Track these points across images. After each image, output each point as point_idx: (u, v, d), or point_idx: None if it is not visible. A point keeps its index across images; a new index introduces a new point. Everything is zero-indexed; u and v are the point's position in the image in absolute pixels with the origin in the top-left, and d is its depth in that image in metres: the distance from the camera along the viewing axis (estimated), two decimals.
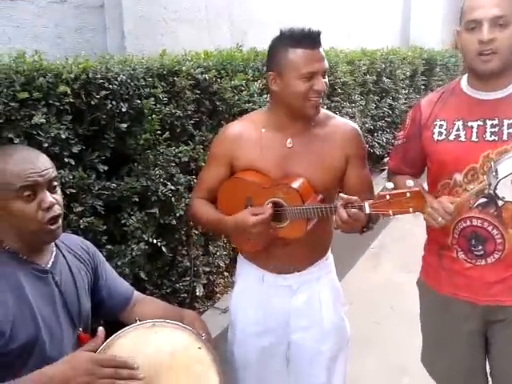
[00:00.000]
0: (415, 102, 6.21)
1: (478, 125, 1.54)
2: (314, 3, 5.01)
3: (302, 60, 1.51)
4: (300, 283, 1.74)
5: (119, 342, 1.24)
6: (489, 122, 1.52)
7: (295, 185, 1.55)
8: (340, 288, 1.87)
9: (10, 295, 1.23)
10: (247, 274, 1.81)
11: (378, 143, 5.33)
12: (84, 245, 1.53)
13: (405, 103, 5.96)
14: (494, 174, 1.43)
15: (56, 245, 1.41)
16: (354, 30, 6.04)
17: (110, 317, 1.56)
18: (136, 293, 1.64)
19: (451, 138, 1.58)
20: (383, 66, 5.19)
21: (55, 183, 1.30)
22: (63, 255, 1.42)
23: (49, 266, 1.34)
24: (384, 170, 5.42)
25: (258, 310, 1.77)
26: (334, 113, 4.04)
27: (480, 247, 1.57)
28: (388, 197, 1.37)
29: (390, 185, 1.40)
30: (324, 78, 1.55)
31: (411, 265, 3.92)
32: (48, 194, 1.26)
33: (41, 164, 1.26)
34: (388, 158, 1.90)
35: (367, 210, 1.40)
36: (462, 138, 1.56)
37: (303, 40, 1.52)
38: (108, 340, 1.24)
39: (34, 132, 1.66)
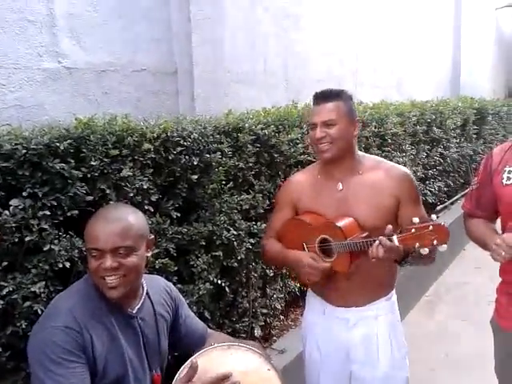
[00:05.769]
0: (467, 150, 6.28)
1: None
2: (363, 60, 5.27)
3: (309, 114, 1.86)
4: (357, 319, 1.87)
5: (198, 360, 1.40)
6: None
7: (339, 223, 1.75)
8: (400, 329, 1.95)
9: (106, 338, 1.41)
10: (313, 305, 2.00)
11: (430, 191, 5.38)
12: (168, 287, 1.70)
13: (456, 152, 6.02)
14: None
15: (145, 289, 1.57)
16: (404, 83, 6.24)
17: (186, 352, 1.62)
18: (209, 330, 1.81)
19: None
20: (433, 116, 5.32)
21: (121, 250, 1.39)
22: (150, 299, 1.58)
23: (135, 311, 1.51)
24: (437, 218, 5.44)
25: (321, 339, 1.94)
26: None
27: None
28: (413, 230, 1.49)
29: (416, 219, 1.50)
30: (327, 127, 1.75)
31: (465, 314, 3.97)
32: (109, 258, 1.37)
33: (107, 233, 1.38)
34: (463, 202, 2.02)
35: (396, 242, 1.53)
36: None
37: (313, 98, 1.84)
38: (190, 358, 1.41)
39: (122, 183, 1.93)
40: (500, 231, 1.82)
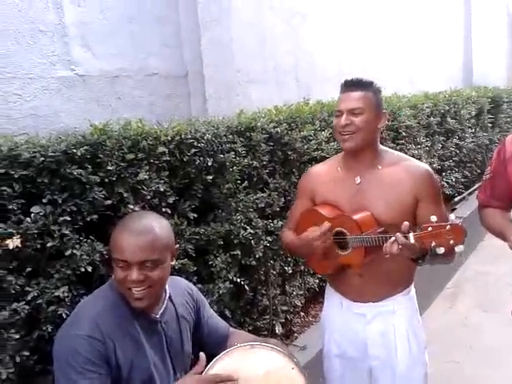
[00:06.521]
0: (483, 140, 6.20)
1: None
2: (374, 54, 5.24)
3: (337, 101, 1.80)
4: (374, 314, 1.86)
5: (223, 360, 1.42)
6: None
7: (356, 216, 1.74)
8: (419, 324, 1.93)
9: (131, 345, 1.42)
10: (331, 299, 2.00)
11: (447, 183, 5.34)
12: (189, 288, 1.70)
13: (472, 142, 5.96)
14: None
15: (167, 293, 1.57)
16: (416, 75, 6.18)
17: (209, 352, 1.59)
18: (230, 328, 1.81)
19: None
20: (447, 107, 5.27)
21: (148, 264, 1.39)
22: (172, 303, 1.58)
23: (158, 316, 1.51)
24: (455, 209, 5.39)
25: (338, 333, 1.94)
26: None
27: None
28: (430, 228, 1.47)
29: (434, 218, 1.48)
30: (353, 116, 1.72)
31: (487, 304, 3.93)
32: (135, 271, 1.37)
33: (134, 246, 1.38)
34: (478, 192, 1.99)
35: (412, 240, 1.51)
36: None
37: (343, 86, 1.81)
38: (214, 360, 1.41)
39: (139, 187, 1.96)
40: None
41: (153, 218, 1.51)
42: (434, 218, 1.49)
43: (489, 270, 4.58)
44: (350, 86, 1.77)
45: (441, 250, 1.47)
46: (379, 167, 1.80)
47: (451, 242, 1.45)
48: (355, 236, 1.71)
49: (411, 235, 1.52)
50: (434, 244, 1.47)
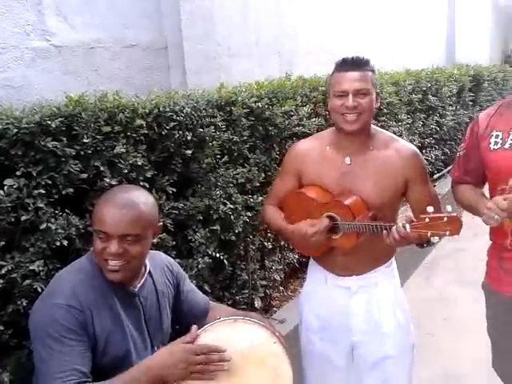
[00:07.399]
0: (463, 118, 6.24)
1: None
2: (356, 30, 5.20)
3: (336, 81, 1.73)
4: (358, 286, 1.88)
5: (206, 334, 1.42)
6: None
7: (347, 202, 1.72)
8: (402, 294, 1.97)
9: (108, 316, 1.42)
10: (314, 274, 2.00)
11: (427, 160, 5.39)
12: (169, 263, 1.70)
13: (453, 119, 6.00)
14: None
15: (148, 267, 1.57)
16: (398, 52, 6.17)
17: (188, 326, 1.54)
18: (211, 302, 1.82)
19: (506, 146, 1.70)
20: (428, 84, 5.29)
21: (129, 238, 1.38)
22: (152, 277, 1.58)
23: (136, 289, 1.51)
24: (434, 186, 5.46)
25: (321, 307, 1.95)
26: None
27: None
28: (427, 220, 1.49)
29: (431, 208, 1.50)
30: (359, 97, 1.68)
31: (462, 279, 4.01)
32: (115, 243, 1.37)
33: (117, 219, 1.37)
34: (451, 169, 2.02)
35: (408, 230, 1.53)
36: None
37: (341, 65, 1.74)
38: (198, 331, 1.41)
39: (116, 160, 1.93)
40: (488, 196, 1.81)
41: (139, 193, 1.49)
42: (430, 209, 1.50)
43: (465, 246, 4.66)
44: (352, 64, 1.71)
45: (435, 240, 1.50)
46: (371, 148, 1.78)
47: (447, 233, 1.47)
48: (349, 222, 1.70)
49: (408, 226, 1.54)
50: (429, 234, 1.49)
